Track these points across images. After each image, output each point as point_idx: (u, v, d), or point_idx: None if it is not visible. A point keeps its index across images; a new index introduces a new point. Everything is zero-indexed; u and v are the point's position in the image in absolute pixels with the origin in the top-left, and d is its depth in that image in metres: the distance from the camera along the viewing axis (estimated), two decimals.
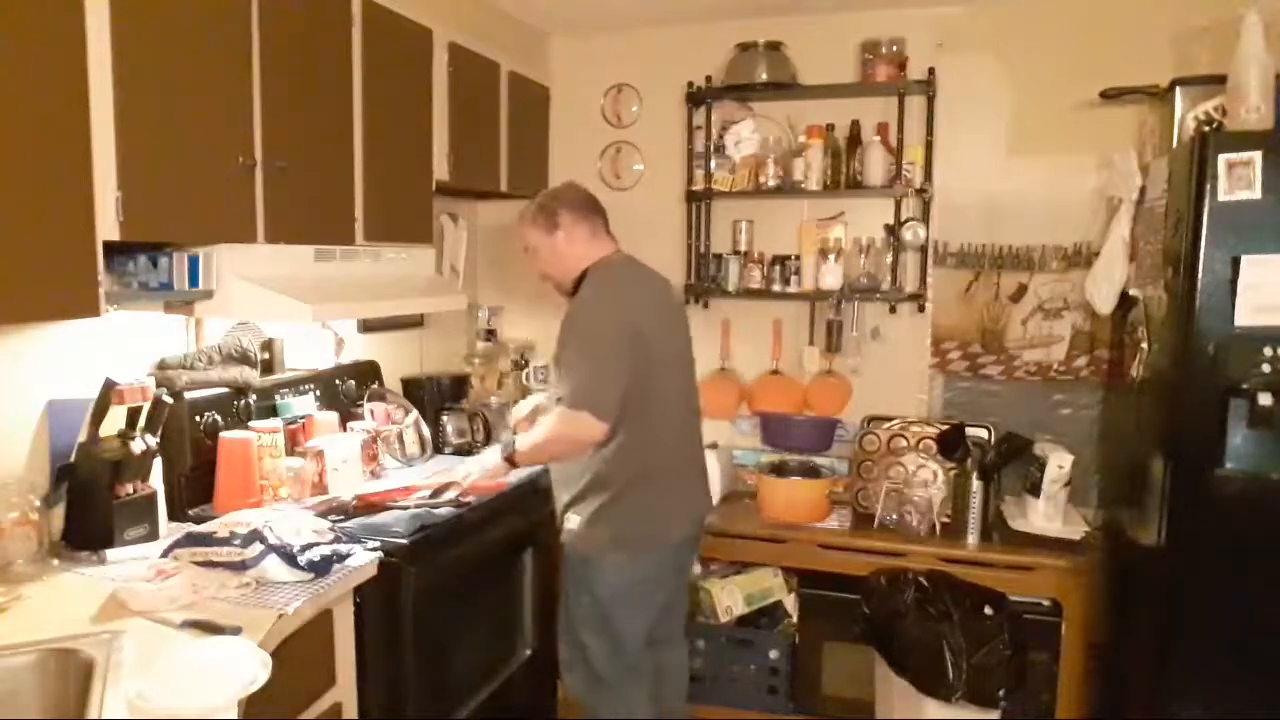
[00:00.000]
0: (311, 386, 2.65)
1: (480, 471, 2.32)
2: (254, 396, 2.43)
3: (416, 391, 3.10)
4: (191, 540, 1.88)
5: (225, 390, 2.35)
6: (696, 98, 3.32)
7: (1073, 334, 3.08)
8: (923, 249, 3.16)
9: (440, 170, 2.77)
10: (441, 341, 3.47)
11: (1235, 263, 2.16)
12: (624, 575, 2.21)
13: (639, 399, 2.14)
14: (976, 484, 2.78)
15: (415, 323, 3.35)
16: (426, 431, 2.84)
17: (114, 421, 1.97)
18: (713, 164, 3.31)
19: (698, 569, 3.15)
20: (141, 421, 2.00)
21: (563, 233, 2.26)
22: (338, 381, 2.77)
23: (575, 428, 2.11)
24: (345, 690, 1.98)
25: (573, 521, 2.21)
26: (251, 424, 2.36)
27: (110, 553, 1.91)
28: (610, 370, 2.10)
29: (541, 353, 3.55)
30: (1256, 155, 2.14)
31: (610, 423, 2.09)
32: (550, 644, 2.55)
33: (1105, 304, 2.79)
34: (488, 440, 2.99)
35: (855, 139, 3.15)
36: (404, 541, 2.10)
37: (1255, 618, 2.21)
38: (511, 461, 2.26)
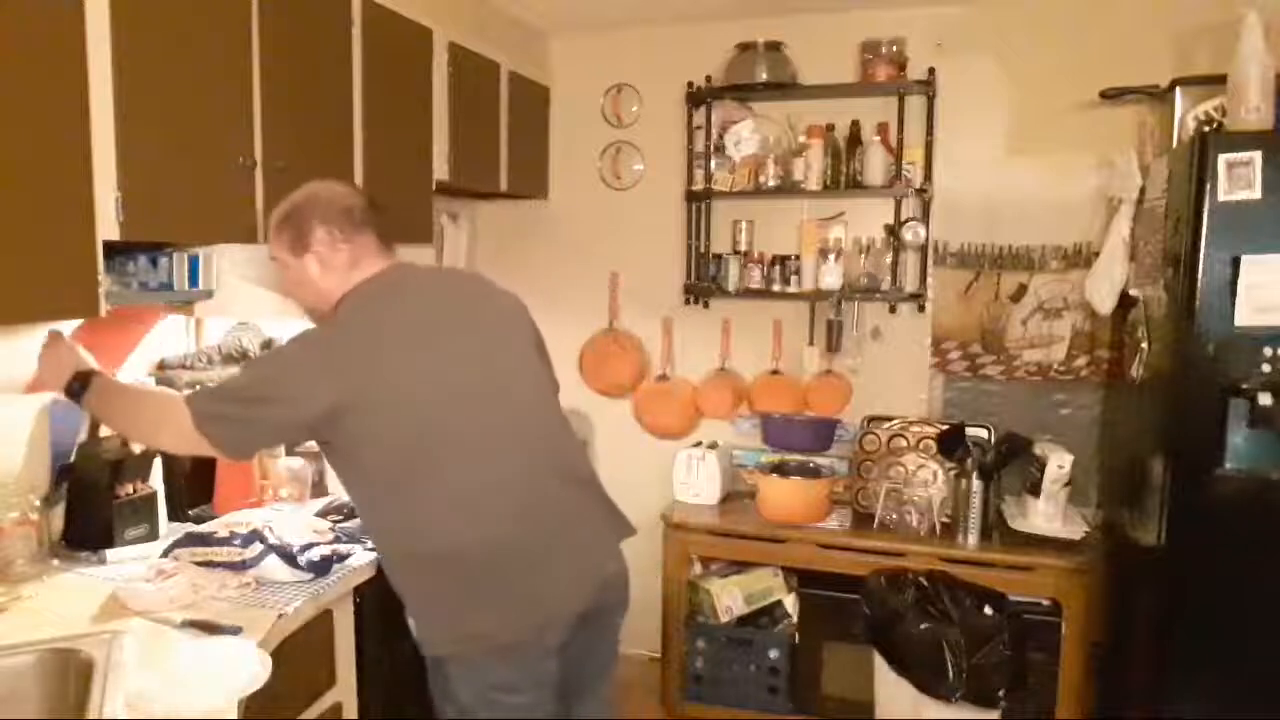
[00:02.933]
0: None
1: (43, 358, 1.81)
2: None
3: None
4: (191, 540, 1.88)
5: None
6: (696, 98, 3.32)
7: (1073, 334, 3.07)
8: (923, 249, 3.16)
9: (440, 170, 2.77)
10: None
11: (1235, 263, 2.16)
12: (482, 680, 1.67)
13: (416, 454, 1.62)
14: (976, 484, 2.77)
15: None
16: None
17: None
18: (713, 164, 3.31)
19: (698, 568, 3.16)
20: None
21: (313, 257, 1.73)
22: None
23: (164, 414, 1.65)
24: (345, 690, 1.98)
25: (410, 624, 1.74)
26: None
27: (110, 553, 1.91)
28: (271, 418, 1.61)
29: None
30: (1256, 155, 2.14)
31: (214, 448, 1.61)
32: None
33: (1105, 304, 2.79)
34: None
35: (855, 139, 3.15)
36: None
37: (1255, 618, 2.21)
38: (73, 394, 1.72)
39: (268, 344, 2.58)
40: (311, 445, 2.42)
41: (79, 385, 1.71)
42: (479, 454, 1.67)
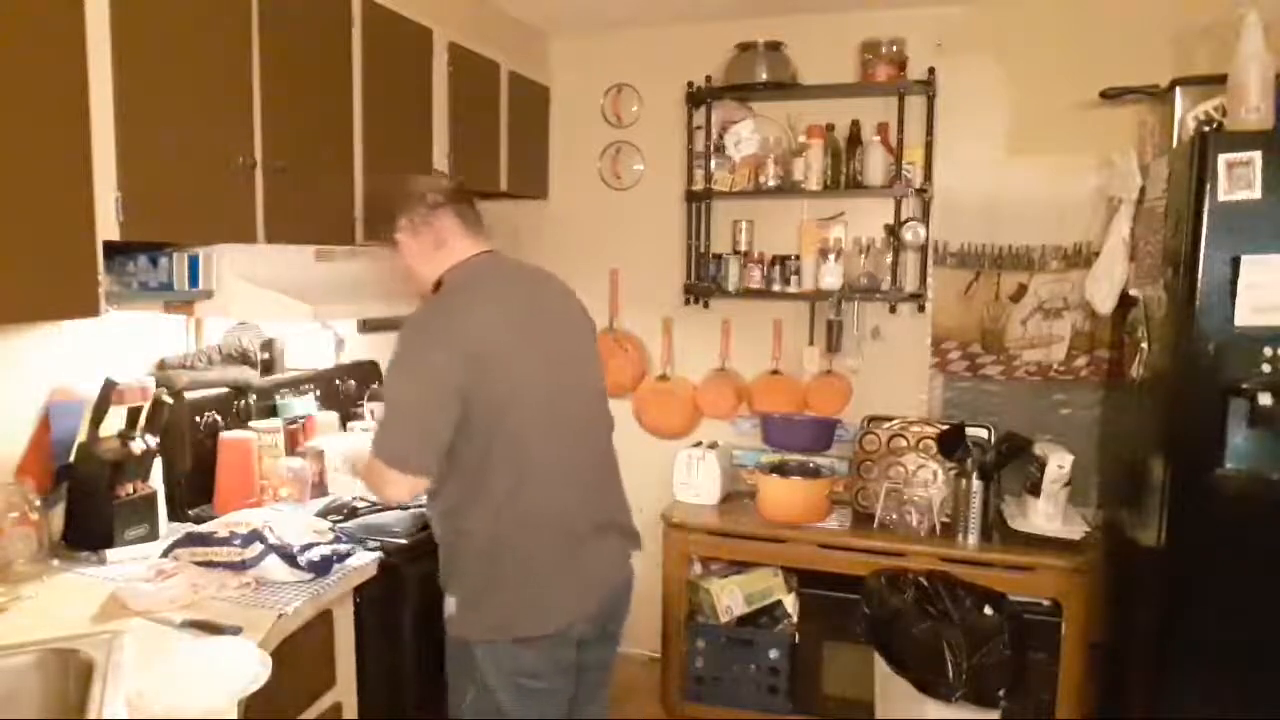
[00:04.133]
0: (311, 386, 2.65)
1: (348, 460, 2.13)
2: (254, 396, 2.43)
3: None
4: (191, 540, 1.88)
5: (225, 390, 2.35)
6: (696, 98, 3.31)
7: (1073, 334, 3.07)
8: (923, 249, 3.16)
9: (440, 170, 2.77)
10: None
11: (1235, 263, 2.16)
12: (512, 668, 1.75)
13: (500, 442, 1.71)
14: (976, 484, 2.77)
15: None
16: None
17: (114, 421, 1.97)
18: (713, 164, 3.31)
19: (698, 568, 3.16)
20: (141, 421, 2.00)
21: (402, 243, 1.89)
22: (338, 381, 2.77)
23: (374, 478, 1.73)
24: (345, 690, 1.99)
25: (449, 604, 1.80)
26: (251, 424, 2.36)
27: (110, 553, 1.91)
28: (425, 413, 1.69)
29: None
30: (1256, 155, 2.14)
31: (419, 477, 1.69)
32: None
33: (1105, 304, 2.79)
34: None
35: (855, 139, 3.15)
36: (404, 541, 2.11)
37: (1255, 618, 2.21)
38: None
39: (268, 344, 2.58)
40: (314, 445, 2.43)
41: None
42: (548, 450, 1.76)
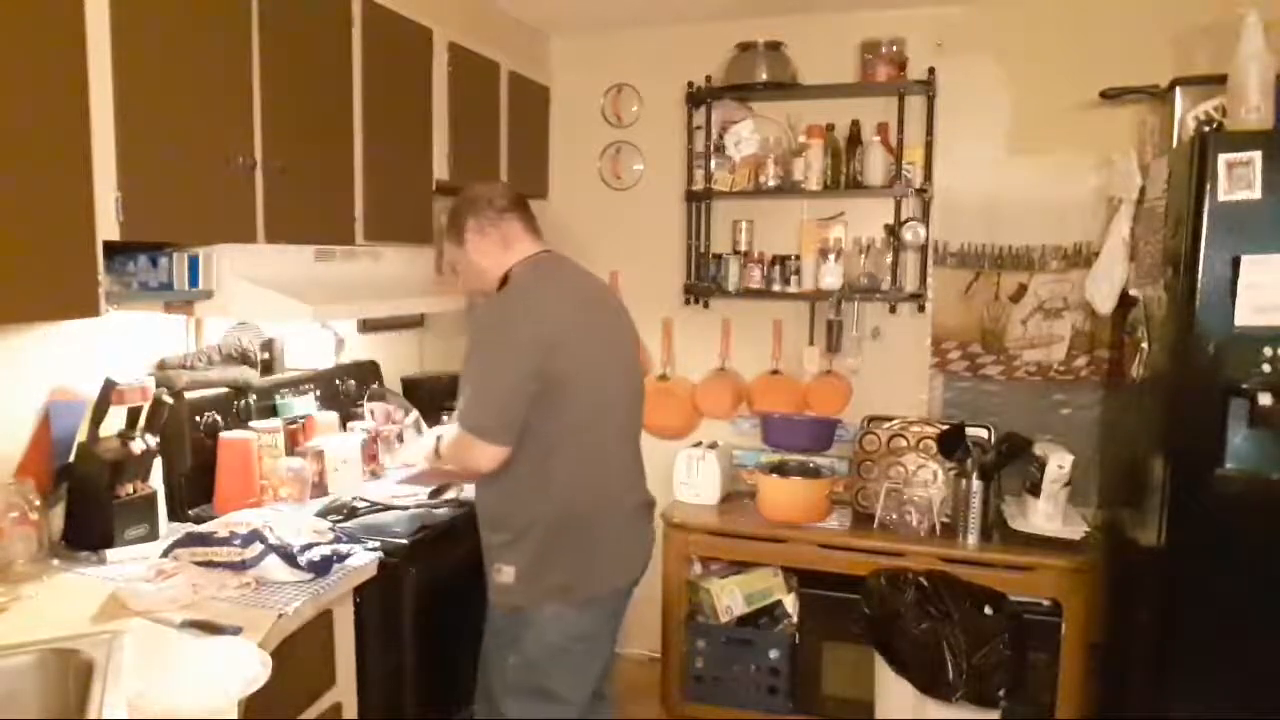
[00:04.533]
0: (311, 386, 2.65)
1: (419, 455, 2.22)
2: (254, 396, 2.43)
3: (416, 391, 3.11)
4: (191, 540, 1.88)
5: (225, 390, 2.35)
6: (696, 98, 3.32)
7: (1073, 334, 3.07)
8: (923, 249, 3.16)
9: (440, 170, 2.77)
10: (441, 341, 3.48)
11: (1235, 263, 2.16)
12: (565, 631, 1.92)
13: (566, 421, 1.89)
14: (976, 484, 2.77)
15: (415, 323, 3.35)
16: (426, 430, 2.85)
17: (114, 421, 1.97)
18: (713, 164, 3.31)
19: (698, 568, 3.16)
20: (141, 421, 2.00)
21: (470, 243, 2.04)
22: (338, 381, 2.77)
23: (463, 451, 1.89)
24: (345, 690, 1.99)
25: (506, 573, 1.94)
26: (251, 424, 2.36)
27: (110, 553, 1.91)
28: (507, 388, 1.85)
29: None
30: (1256, 155, 2.14)
31: (503, 447, 1.85)
32: None
33: (1105, 304, 2.79)
34: None
35: (855, 139, 3.15)
36: (404, 541, 2.11)
37: (1255, 618, 2.21)
38: (438, 449, 2.07)
39: (268, 344, 2.58)
40: (314, 445, 2.43)
41: (436, 449, 2.06)
42: (604, 430, 1.98)
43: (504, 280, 2.00)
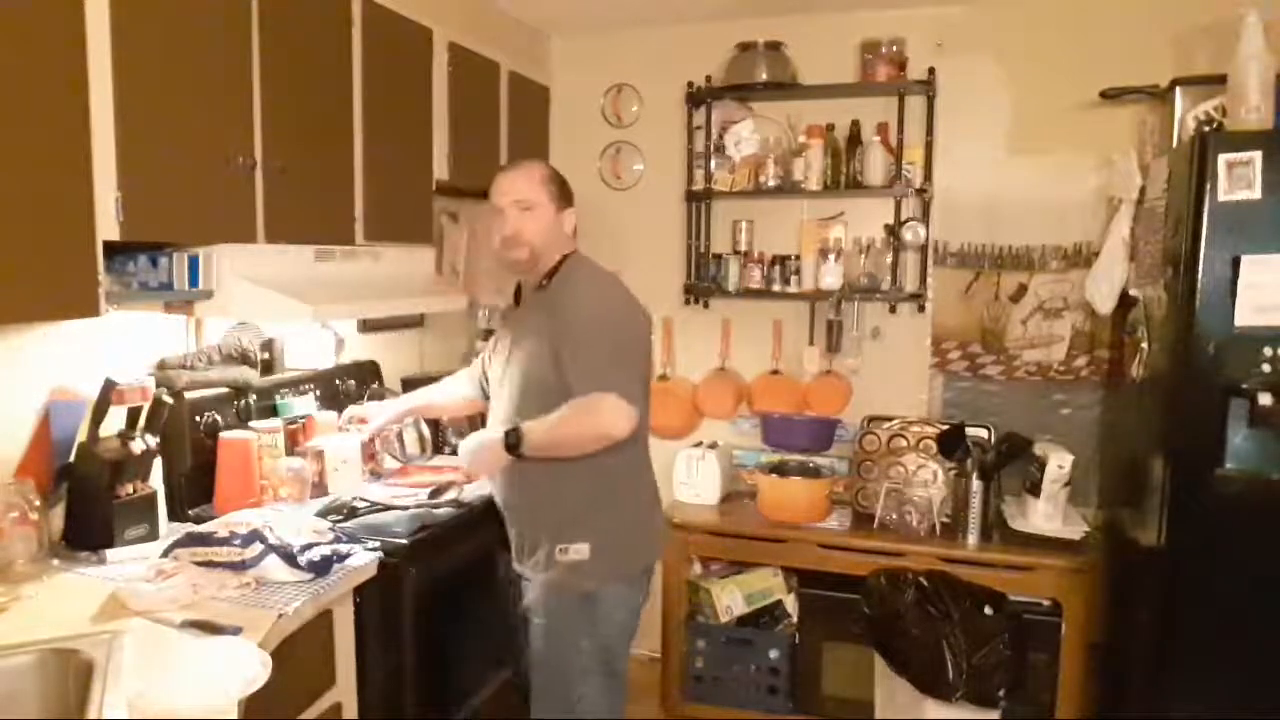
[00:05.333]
0: (311, 386, 2.65)
1: (473, 453, 2.02)
2: (254, 396, 2.43)
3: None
4: (191, 540, 1.88)
5: (225, 390, 2.35)
6: (696, 98, 3.32)
7: (1073, 334, 3.08)
8: (923, 249, 3.16)
9: (440, 170, 2.77)
10: (441, 341, 3.47)
11: (1235, 263, 2.16)
12: (628, 607, 2.03)
13: (647, 401, 1.99)
14: (976, 484, 2.77)
15: (415, 323, 3.35)
16: (426, 431, 2.85)
17: (114, 421, 1.97)
18: (713, 164, 3.31)
19: (698, 568, 3.16)
20: (141, 421, 2.00)
21: (568, 216, 2.09)
22: (338, 381, 2.77)
23: (602, 414, 1.82)
24: (345, 690, 1.98)
25: (578, 552, 1.95)
26: (251, 424, 2.36)
27: (110, 553, 1.91)
28: (636, 364, 1.94)
29: None
30: (1256, 155, 2.14)
31: (637, 411, 1.86)
32: None
33: (1105, 304, 2.79)
34: None
35: (855, 139, 3.15)
36: (404, 541, 2.10)
37: (1255, 618, 2.21)
38: (512, 449, 1.91)
39: (268, 344, 2.58)
40: (314, 445, 2.43)
41: (513, 435, 1.92)
42: (649, 407, 2.04)
43: (555, 266, 2.03)
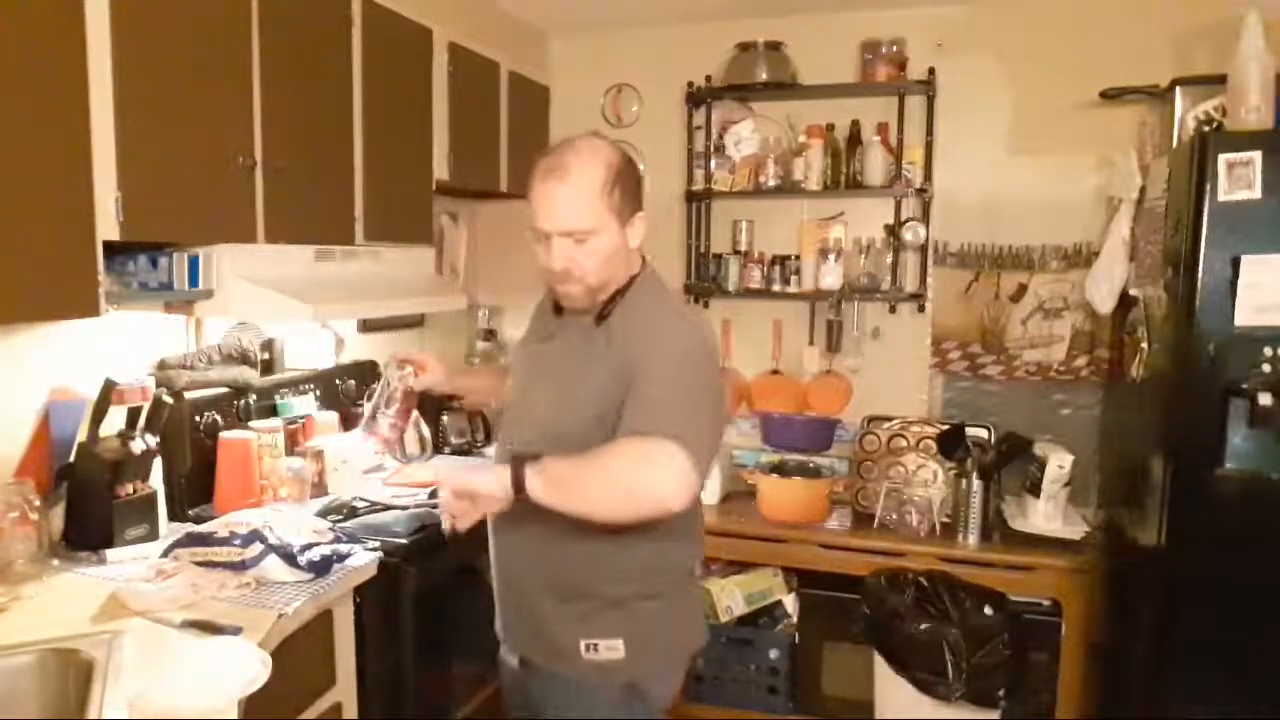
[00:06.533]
0: (311, 386, 2.65)
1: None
2: (254, 396, 2.43)
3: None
4: (191, 540, 1.88)
5: (225, 390, 2.35)
6: (696, 98, 3.31)
7: (1073, 334, 3.07)
8: (923, 249, 3.16)
9: (440, 170, 2.77)
10: (441, 341, 3.47)
11: (1235, 263, 2.16)
12: (674, 686, 1.66)
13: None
14: (976, 484, 2.77)
15: (415, 323, 3.35)
16: (426, 431, 2.83)
17: (114, 421, 1.97)
18: (713, 164, 3.31)
19: (698, 569, 3.15)
20: (141, 421, 2.00)
21: (637, 225, 1.54)
22: (338, 381, 2.77)
23: (656, 468, 1.34)
24: (345, 690, 1.98)
25: (610, 649, 1.52)
26: (251, 424, 2.36)
27: (110, 553, 1.91)
28: (715, 421, 1.51)
29: None
30: (1256, 155, 2.14)
31: (700, 489, 1.43)
32: None
33: (1105, 304, 2.79)
34: (488, 439, 2.98)
35: (855, 139, 3.15)
36: (404, 541, 2.11)
37: (1255, 618, 2.21)
38: (521, 485, 1.40)
39: (268, 344, 2.58)
40: (314, 445, 2.43)
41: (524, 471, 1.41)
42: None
43: (617, 293, 1.55)
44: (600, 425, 1.45)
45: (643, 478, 1.36)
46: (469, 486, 1.43)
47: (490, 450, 2.30)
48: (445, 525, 1.49)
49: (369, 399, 1.90)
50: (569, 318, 1.61)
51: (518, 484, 1.39)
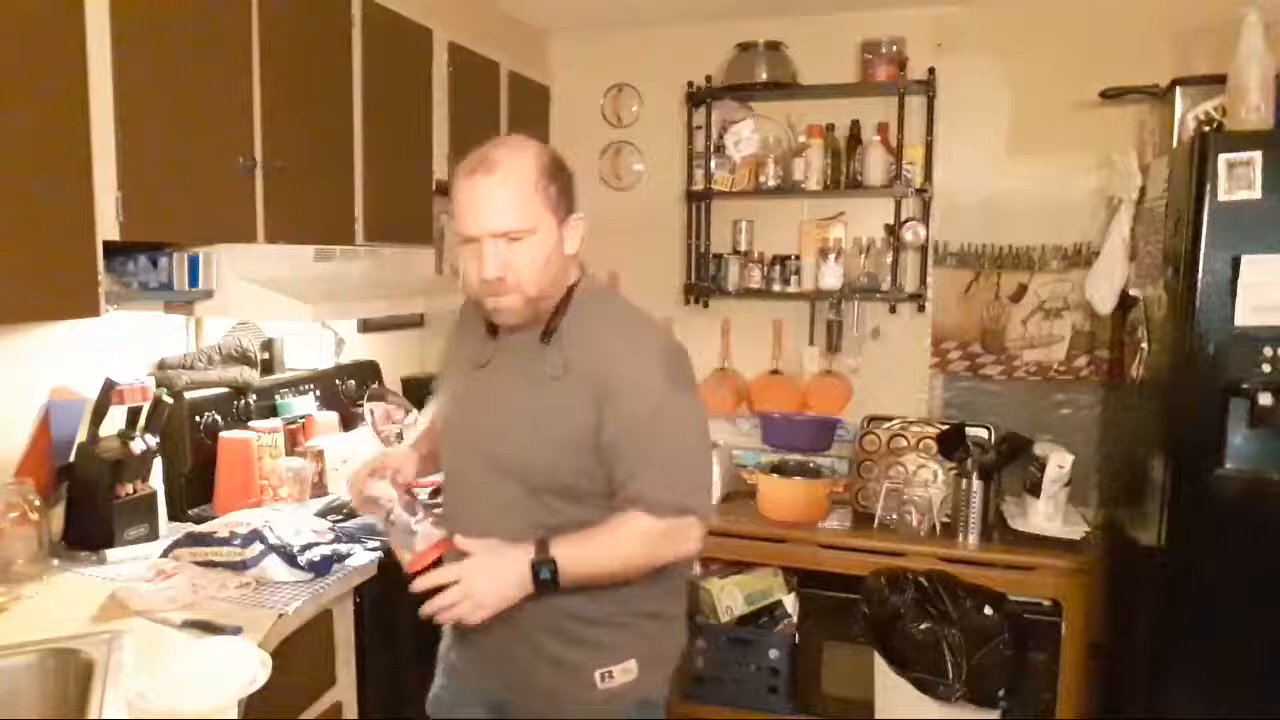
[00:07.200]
0: (311, 386, 2.65)
1: (482, 579, 1.36)
2: (254, 396, 2.43)
3: (416, 391, 3.10)
4: (191, 540, 1.88)
5: (225, 390, 2.35)
6: (696, 98, 3.32)
7: (1073, 334, 3.08)
8: (923, 249, 3.16)
9: (440, 170, 2.77)
10: (441, 341, 3.46)
11: (1235, 263, 2.16)
12: (667, 689, 1.56)
13: None
14: (976, 484, 2.77)
15: (415, 323, 3.35)
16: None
17: (114, 421, 1.97)
18: (713, 164, 3.31)
19: (698, 568, 3.16)
20: (141, 421, 2.00)
21: (574, 226, 1.43)
22: (338, 381, 2.77)
23: (681, 544, 1.40)
24: (345, 690, 1.98)
25: (625, 672, 1.44)
26: (251, 424, 2.36)
27: (110, 553, 1.91)
28: (710, 459, 1.52)
29: None
30: (1256, 155, 2.14)
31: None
32: None
33: (1105, 304, 2.79)
34: None
35: (855, 139, 3.15)
36: None
37: (1255, 618, 2.21)
38: (546, 585, 1.34)
39: (268, 344, 2.58)
40: (314, 445, 2.43)
41: (547, 570, 1.33)
42: None
43: (560, 305, 1.43)
44: (576, 452, 1.38)
45: (670, 553, 1.40)
46: (490, 601, 1.33)
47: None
48: (436, 615, 1.37)
49: (389, 524, 1.54)
50: (507, 338, 1.45)
51: (544, 590, 1.34)
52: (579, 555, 1.35)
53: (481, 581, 1.34)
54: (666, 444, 1.39)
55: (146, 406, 2.00)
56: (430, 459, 1.66)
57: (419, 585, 1.38)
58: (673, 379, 1.42)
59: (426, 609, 1.36)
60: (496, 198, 1.34)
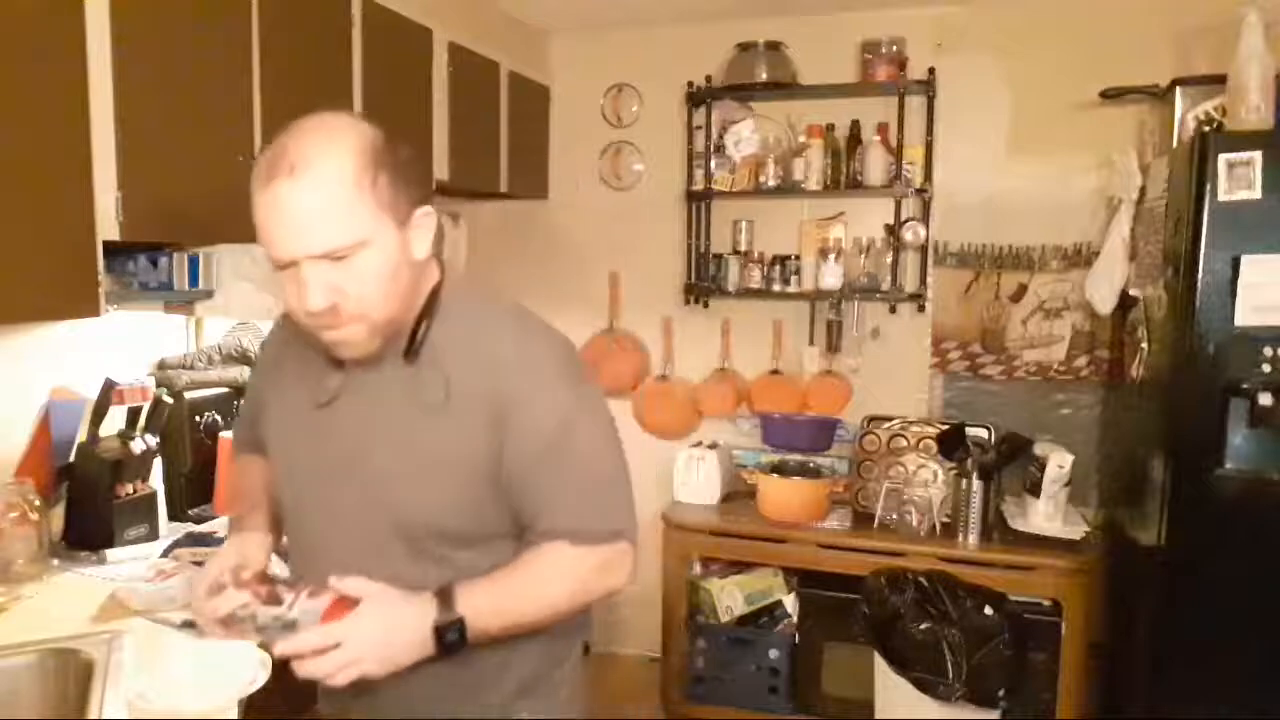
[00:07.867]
0: None
1: (378, 645, 1.10)
2: None
3: None
4: (192, 540, 1.88)
5: (225, 390, 2.35)
6: (696, 98, 3.31)
7: (1073, 334, 3.07)
8: (923, 249, 3.16)
9: (440, 170, 2.76)
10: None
11: (1235, 263, 2.16)
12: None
13: None
14: (976, 484, 2.77)
15: None
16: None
17: (114, 421, 1.97)
18: (713, 164, 3.30)
19: (698, 568, 3.16)
20: (141, 421, 2.00)
21: (422, 223, 1.14)
22: None
23: (612, 574, 1.21)
24: None
25: (546, 711, 1.27)
26: None
27: (110, 553, 1.91)
28: (624, 466, 1.26)
29: None
30: (1256, 155, 2.14)
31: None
32: None
33: (1105, 304, 2.79)
34: None
35: (855, 139, 3.15)
36: None
37: (1255, 618, 2.21)
38: (453, 647, 1.11)
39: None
40: None
41: (455, 632, 1.10)
42: None
43: (421, 316, 1.17)
44: (473, 490, 1.16)
45: (600, 588, 1.21)
46: (378, 669, 1.09)
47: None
48: (312, 675, 1.10)
49: (258, 631, 1.20)
50: (358, 367, 1.17)
51: (451, 652, 1.11)
52: (492, 607, 1.13)
53: (371, 649, 1.08)
54: (583, 462, 1.18)
55: (146, 406, 2.00)
56: (276, 523, 1.39)
57: (302, 671, 1.10)
58: (574, 382, 1.19)
59: (301, 671, 1.10)
60: (306, 209, 1.03)
